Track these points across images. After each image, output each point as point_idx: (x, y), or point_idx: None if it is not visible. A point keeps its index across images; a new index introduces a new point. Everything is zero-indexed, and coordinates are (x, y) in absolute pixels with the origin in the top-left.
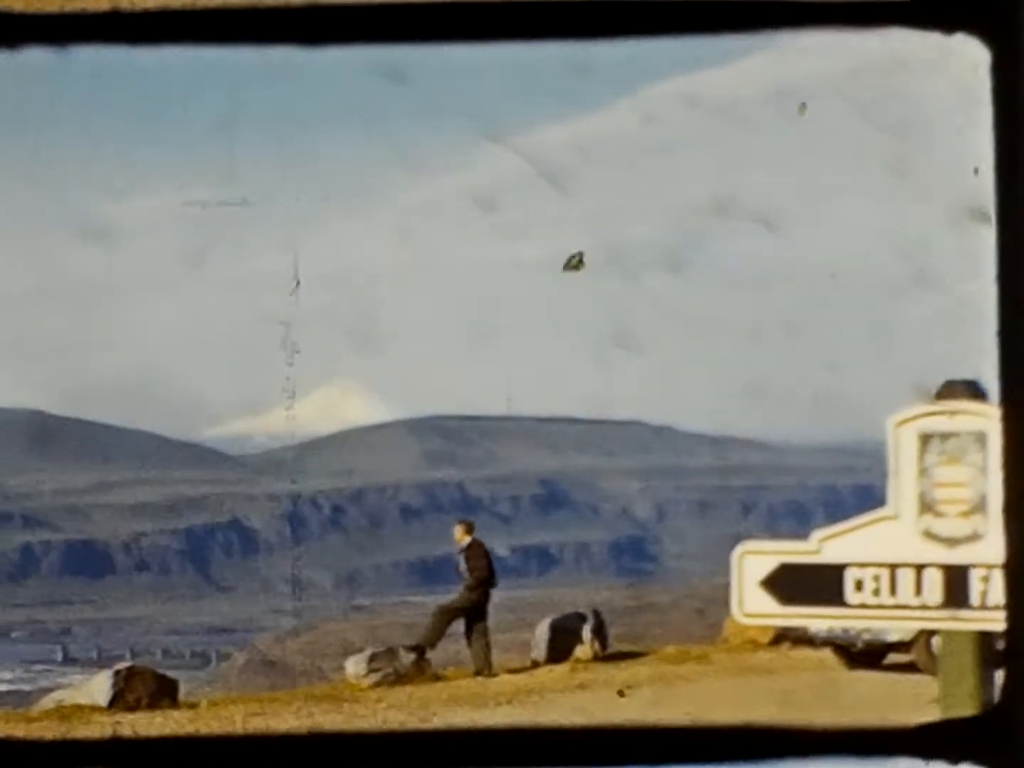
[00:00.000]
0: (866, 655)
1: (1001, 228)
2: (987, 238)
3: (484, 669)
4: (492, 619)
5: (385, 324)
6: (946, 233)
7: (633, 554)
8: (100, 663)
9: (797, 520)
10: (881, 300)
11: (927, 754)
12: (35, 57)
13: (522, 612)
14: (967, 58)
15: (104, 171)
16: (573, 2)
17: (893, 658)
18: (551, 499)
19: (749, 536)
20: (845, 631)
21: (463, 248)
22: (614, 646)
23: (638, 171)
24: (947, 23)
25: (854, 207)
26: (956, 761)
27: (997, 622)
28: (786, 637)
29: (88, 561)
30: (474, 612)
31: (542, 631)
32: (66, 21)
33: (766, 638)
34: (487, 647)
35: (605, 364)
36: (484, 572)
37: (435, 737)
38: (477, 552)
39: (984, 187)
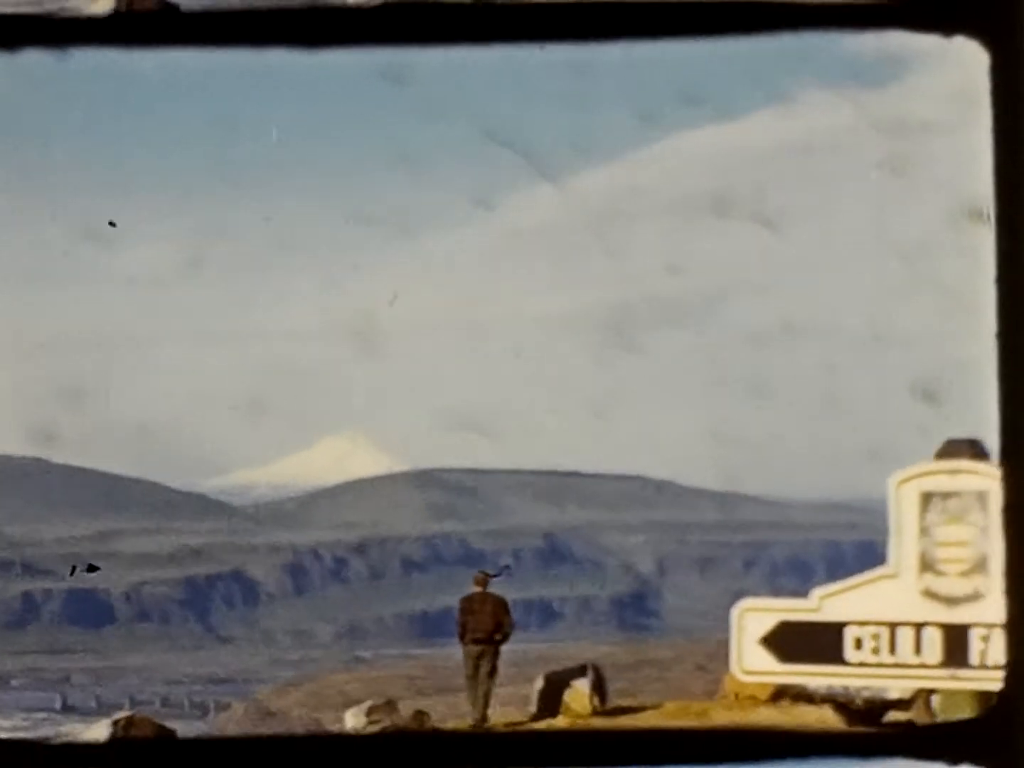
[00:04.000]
0: (866, 713)
1: (1001, 228)
2: (987, 238)
3: (479, 720)
4: None
5: (391, 375)
6: (946, 233)
7: (634, 609)
8: (100, 712)
9: (799, 577)
10: (880, 301)
11: (927, 755)
12: (34, 59)
13: (522, 666)
14: (967, 60)
15: (103, 174)
16: (573, 4)
17: (893, 716)
18: (553, 553)
19: (751, 592)
20: (845, 688)
21: (475, 294)
22: (614, 701)
23: (640, 174)
24: (947, 25)
25: (854, 207)
26: (955, 762)
27: (996, 681)
28: (786, 694)
29: (89, 610)
30: (477, 661)
31: (541, 685)
32: (65, 24)
33: (766, 694)
34: (485, 698)
35: (608, 417)
36: (459, 628)
37: (434, 738)
38: (461, 606)
39: (984, 187)
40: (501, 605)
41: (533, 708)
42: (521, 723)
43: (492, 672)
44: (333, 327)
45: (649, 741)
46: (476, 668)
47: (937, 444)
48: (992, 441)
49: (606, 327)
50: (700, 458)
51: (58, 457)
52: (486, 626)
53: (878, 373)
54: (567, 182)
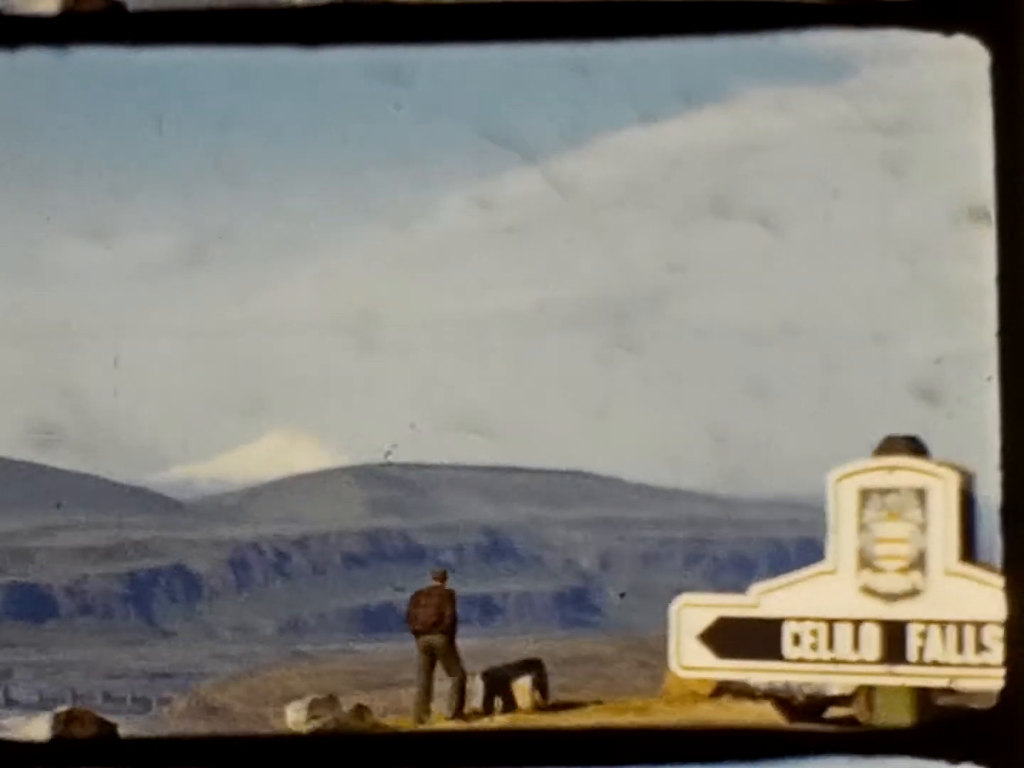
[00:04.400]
0: (807, 708)
1: (1001, 228)
2: (987, 238)
3: (421, 714)
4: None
5: (332, 371)
6: (946, 233)
7: (576, 604)
8: (41, 706)
9: (742, 573)
10: (880, 301)
11: (928, 754)
12: (34, 57)
13: (464, 662)
14: (967, 59)
15: (101, 174)
16: (573, 3)
17: (834, 712)
18: (495, 548)
19: (693, 588)
20: (786, 684)
21: (428, 296)
22: (555, 697)
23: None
24: (947, 24)
25: (854, 207)
26: (956, 761)
27: (934, 677)
28: (727, 689)
29: (31, 604)
30: (425, 656)
31: (481, 681)
32: (65, 22)
33: (707, 690)
34: (425, 692)
35: (554, 413)
36: (407, 622)
37: (426, 738)
38: (411, 601)
39: (984, 187)
40: (446, 597)
41: (475, 703)
42: (464, 718)
43: (452, 668)
44: (277, 322)
45: (646, 740)
46: (428, 664)
47: (937, 444)
48: (992, 441)
49: (603, 324)
50: (698, 459)
51: (1, 451)
52: (427, 618)
53: (878, 373)
54: (566, 181)
